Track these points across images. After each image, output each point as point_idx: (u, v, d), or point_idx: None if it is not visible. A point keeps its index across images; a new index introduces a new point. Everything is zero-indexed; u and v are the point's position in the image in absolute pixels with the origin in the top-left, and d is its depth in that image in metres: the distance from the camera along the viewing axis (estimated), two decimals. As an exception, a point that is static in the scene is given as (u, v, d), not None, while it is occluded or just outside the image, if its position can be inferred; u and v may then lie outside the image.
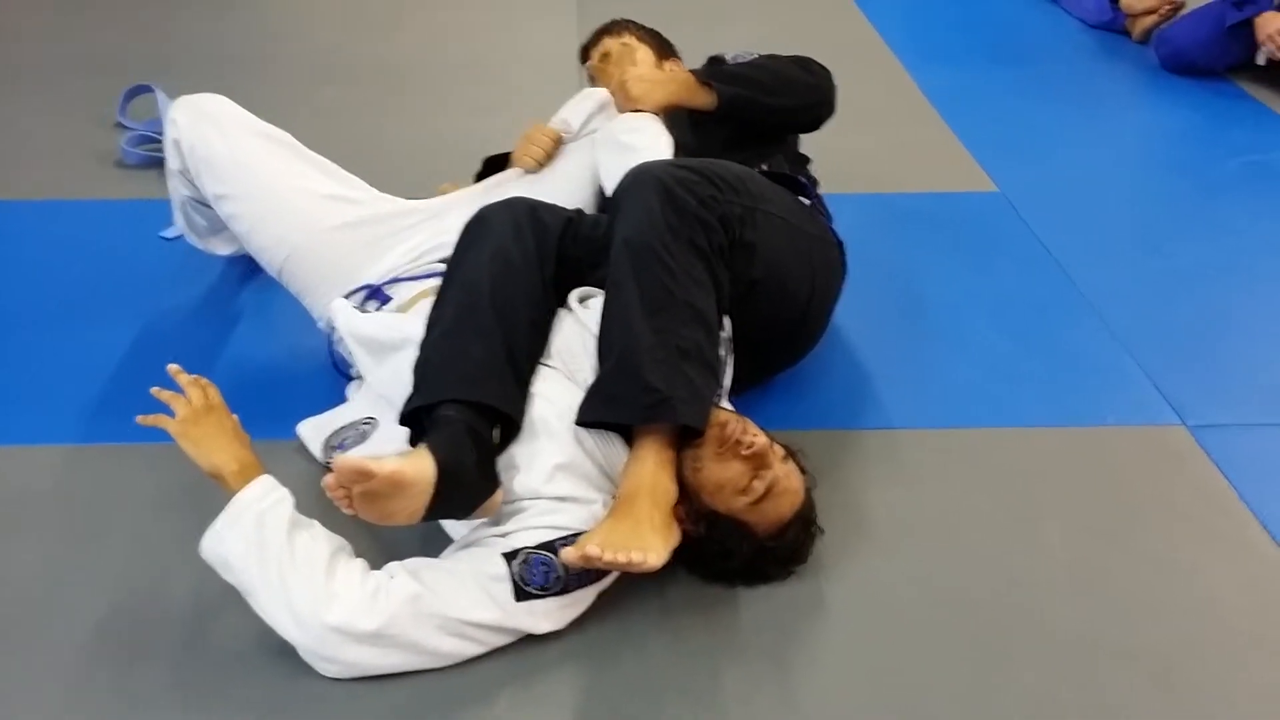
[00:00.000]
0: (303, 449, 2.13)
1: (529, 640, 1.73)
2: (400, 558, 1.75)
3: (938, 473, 2.15)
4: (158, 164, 2.97)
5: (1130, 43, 4.39)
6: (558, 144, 2.46)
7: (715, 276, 1.91)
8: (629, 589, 1.81)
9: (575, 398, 1.84)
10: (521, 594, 1.69)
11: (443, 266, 2.05)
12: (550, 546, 1.71)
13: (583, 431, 1.82)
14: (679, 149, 2.31)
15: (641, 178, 1.95)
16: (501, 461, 1.81)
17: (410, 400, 1.81)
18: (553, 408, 1.85)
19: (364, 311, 2.17)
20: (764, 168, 2.32)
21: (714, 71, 2.48)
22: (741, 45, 2.61)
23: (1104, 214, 3.12)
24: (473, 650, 1.70)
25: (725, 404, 1.94)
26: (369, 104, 3.77)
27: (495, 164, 2.58)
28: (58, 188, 3.18)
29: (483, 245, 1.97)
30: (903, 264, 2.83)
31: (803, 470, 1.86)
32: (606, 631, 1.78)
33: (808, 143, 2.62)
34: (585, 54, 2.75)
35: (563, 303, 2.02)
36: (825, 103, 2.49)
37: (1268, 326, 2.63)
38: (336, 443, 2.08)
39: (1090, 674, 1.73)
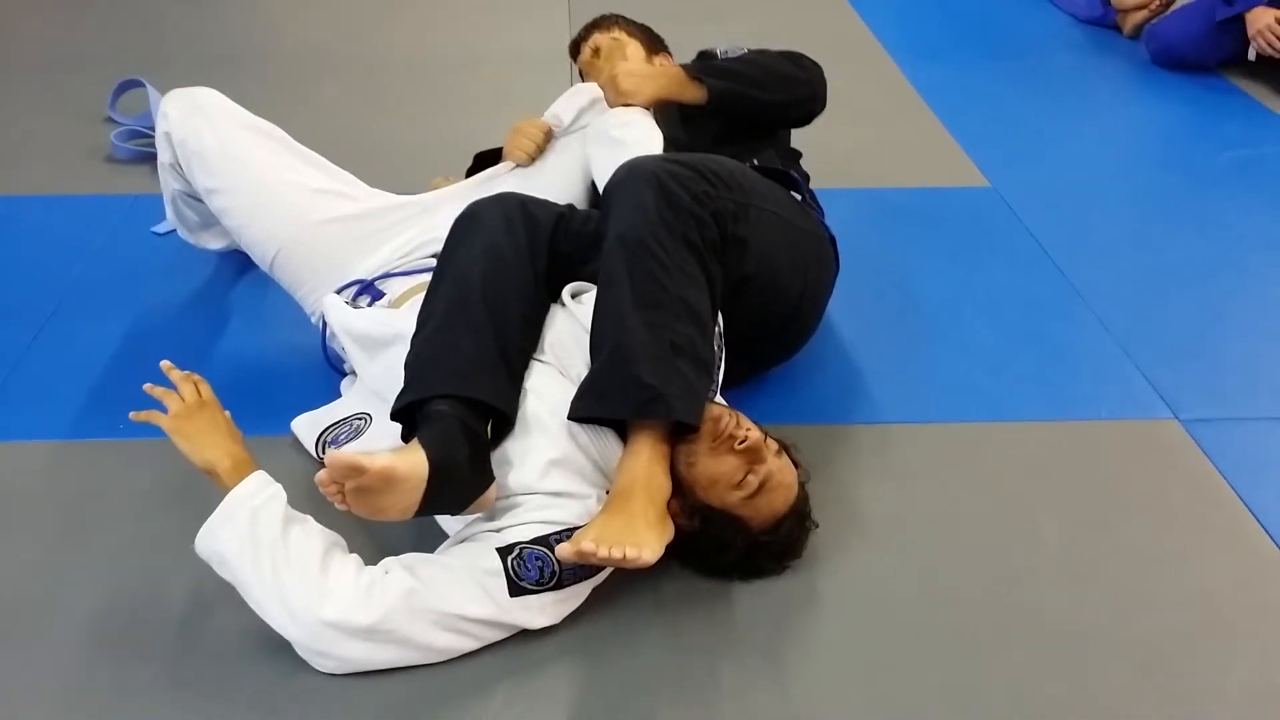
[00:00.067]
0: (296, 445, 2.13)
1: (524, 635, 1.73)
2: (395, 553, 1.74)
3: (931, 467, 2.16)
4: (149, 159, 2.96)
5: (1121, 38, 4.40)
6: (548, 137, 2.46)
7: (708, 272, 1.91)
8: (624, 584, 1.81)
9: (568, 393, 1.84)
10: (516, 589, 1.68)
11: (434, 262, 2.05)
12: (545, 541, 1.71)
13: (576, 426, 1.82)
14: (669, 144, 2.31)
15: (635, 172, 1.95)
16: (495, 457, 1.80)
17: (402, 395, 1.81)
18: (545, 403, 1.85)
19: (356, 307, 2.17)
20: (755, 162, 2.32)
21: (704, 66, 2.48)
22: (734, 41, 2.61)
23: (1095, 208, 3.13)
24: (468, 645, 1.70)
25: (719, 399, 1.94)
26: (360, 100, 3.76)
27: (486, 159, 2.58)
28: (49, 183, 3.17)
29: (474, 240, 1.96)
30: (895, 259, 2.83)
31: (797, 465, 1.86)
32: (601, 627, 1.78)
33: (799, 138, 2.62)
34: (575, 49, 2.75)
35: (555, 298, 2.02)
36: (816, 97, 2.49)
37: (1259, 320, 2.64)
38: (330, 438, 2.07)
39: (1082, 666, 1.74)
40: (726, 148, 2.26)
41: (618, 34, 2.68)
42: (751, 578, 1.86)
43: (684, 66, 2.48)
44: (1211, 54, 4.00)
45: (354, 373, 2.20)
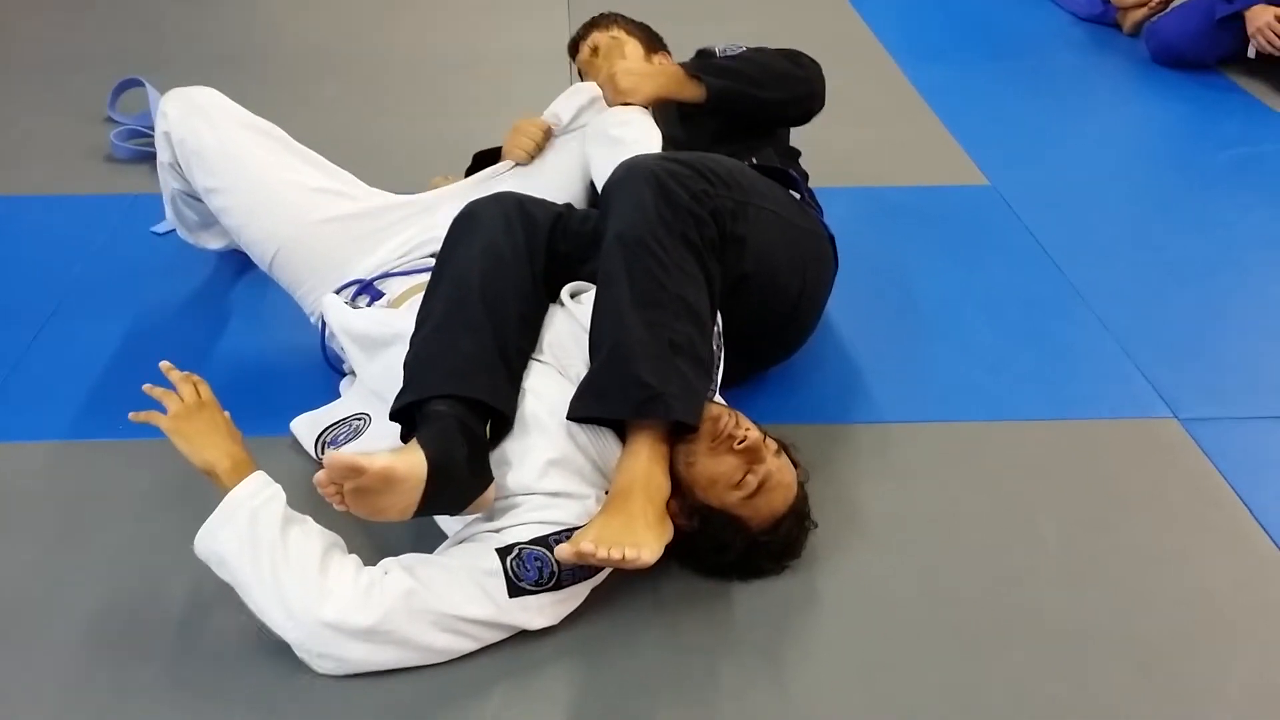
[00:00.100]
0: (296, 445, 2.13)
1: (523, 636, 1.73)
2: (394, 553, 1.74)
3: (930, 466, 2.16)
4: (148, 158, 2.96)
5: (1121, 36, 4.39)
6: (547, 135, 2.46)
7: (707, 270, 1.91)
8: (623, 584, 1.81)
9: (567, 392, 1.84)
10: (515, 589, 1.68)
11: (433, 261, 2.05)
12: (544, 542, 1.71)
13: (575, 426, 1.82)
14: (668, 142, 2.31)
15: (634, 171, 1.95)
16: (494, 457, 1.80)
17: (400, 395, 1.81)
18: (544, 403, 1.85)
19: (355, 307, 2.17)
20: (754, 161, 2.32)
21: (703, 64, 2.47)
22: (733, 41, 2.61)
23: (1095, 207, 3.12)
24: (467, 646, 1.70)
25: (718, 398, 1.94)
26: (360, 100, 3.76)
27: (485, 159, 2.58)
28: (49, 183, 3.17)
29: (472, 240, 1.96)
30: (894, 257, 2.83)
31: (796, 464, 1.86)
32: (600, 627, 1.78)
33: (798, 137, 2.62)
34: (574, 47, 2.75)
35: (554, 298, 2.02)
36: (815, 95, 2.49)
37: (1259, 319, 2.64)
38: (329, 439, 2.07)
39: (1082, 666, 1.74)
40: (725, 146, 2.26)
41: (617, 32, 2.68)
42: (751, 578, 1.86)
43: (682, 65, 2.48)
44: (1211, 52, 4.00)
45: (353, 373, 2.20)
